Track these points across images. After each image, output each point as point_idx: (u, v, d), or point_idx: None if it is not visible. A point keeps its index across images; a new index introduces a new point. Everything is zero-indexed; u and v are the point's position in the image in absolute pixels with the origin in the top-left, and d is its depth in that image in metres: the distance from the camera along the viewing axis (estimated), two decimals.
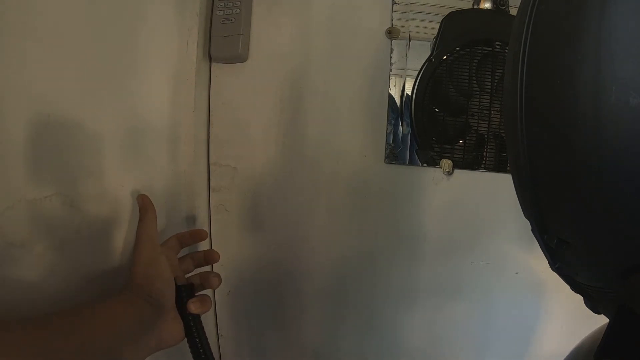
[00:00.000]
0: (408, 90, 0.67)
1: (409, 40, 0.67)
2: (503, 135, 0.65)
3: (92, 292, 0.52)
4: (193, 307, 0.49)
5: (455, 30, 0.65)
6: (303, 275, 0.74)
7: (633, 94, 0.21)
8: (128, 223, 0.57)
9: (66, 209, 0.47)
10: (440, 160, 0.67)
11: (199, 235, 0.59)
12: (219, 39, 0.70)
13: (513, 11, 0.65)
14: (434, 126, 0.67)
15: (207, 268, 0.75)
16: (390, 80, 0.68)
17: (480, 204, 0.68)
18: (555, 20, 0.25)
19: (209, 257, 0.59)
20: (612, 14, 0.22)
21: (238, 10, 0.69)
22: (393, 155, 0.69)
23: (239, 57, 0.71)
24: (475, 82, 0.65)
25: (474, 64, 0.65)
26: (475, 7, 0.66)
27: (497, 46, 0.65)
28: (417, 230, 0.70)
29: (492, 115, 0.65)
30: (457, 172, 0.67)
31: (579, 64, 0.23)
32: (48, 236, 0.45)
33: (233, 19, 0.70)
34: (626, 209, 0.23)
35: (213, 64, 0.73)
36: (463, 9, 0.66)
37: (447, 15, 0.65)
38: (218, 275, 0.55)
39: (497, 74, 0.65)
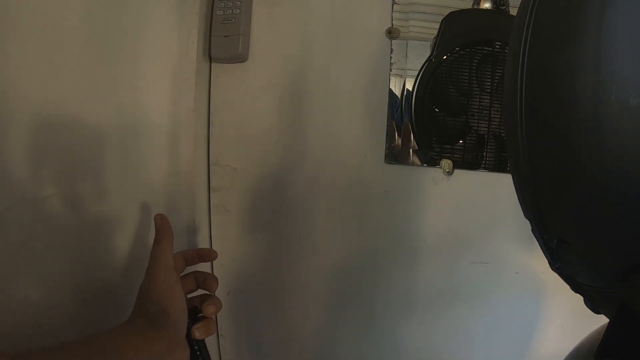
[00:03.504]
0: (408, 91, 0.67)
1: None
2: (503, 135, 0.65)
3: (92, 292, 0.52)
4: (198, 333, 0.47)
5: (455, 30, 0.65)
6: (303, 275, 0.74)
7: (633, 94, 0.21)
8: (128, 223, 0.57)
9: (66, 209, 0.47)
10: (440, 160, 0.67)
11: (208, 256, 0.56)
12: (219, 39, 0.70)
13: (513, 11, 0.65)
14: (434, 126, 0.67)
15: (206, 268, 0.75)
16: (390, 80, 0.68)
17: (480, 204, 0.68)
18: (555, 20, 0.25)
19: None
20: (612, 14, 0.22)
21: (238, 10, 0.69)
22: (393, 155, 0.69)
23: (239, 57, 0.71)
24: (475, 82, 0.65)
25: (474, 64, 0.65)
26: (475, 7, 0.66)
27: (497, 46, 0.64)
28: (417, 230, 0.70)
29: (492, 115, 0.65)
30: (457, 172, 0.67)
31: (579, 64, 0.23)
32: (48, 236, 0.45)
33: (233, 19, 0.70)
34: (626, 209, 0.23)
35: (213, 64, 0.73)
36: (463, 9, 0.66)
37: (447, 15, 0.65)
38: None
39: (497, 74, 0.65)
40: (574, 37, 0.24)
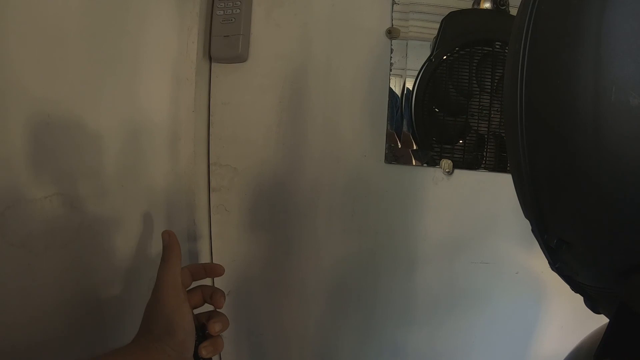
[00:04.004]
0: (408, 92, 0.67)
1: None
2: (503, 135, 0.65)
3: (92, 292, 0.52)
4: (205, 352, 0.45)
5: (455, 30, 0.65)
6: (303, 275, 0.74)
7: (633, 94, 0.21)
8: (128, 223, 0.57)
9: (66, 209, 0.47)
10: (440, 160, 0.67)
11: (215, 271, 0.54)
12: (219, 39, 0.70)
13: (513, 11, 0.65)
14: (434, 126, 0.67)
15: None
16: (390, 80, 0.68)
17: (480, 204, 0.68)
18: (555, 20, 0.25)
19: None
20: (612, 14, 0.22)
21: (238, 10, 0.69)
22: (393, 155, 0.69)
23: (239, 57, 0.71)
24: (475, 82, 0.65)
25: (474, 64, 0.65)
26: (475, 7, 0.66)
27: (497, 46, 0.64)
28: (417, 230, 0.70)
29: (492, 115, 0.65)
30: (457, 172, 0.67)
31: (579, 64, 0.23)
32: (48, 236, 0.45)
33: (233, 19, 0.70)
34: (626, 209, 0.23)
35: (213, 64, 0.73)
36: (463, 9, 0.66)
37: (447, 15, 0.65)
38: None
39: (497, 74, 0.65)
40: (574, 37, 0.24)
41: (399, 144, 0.69)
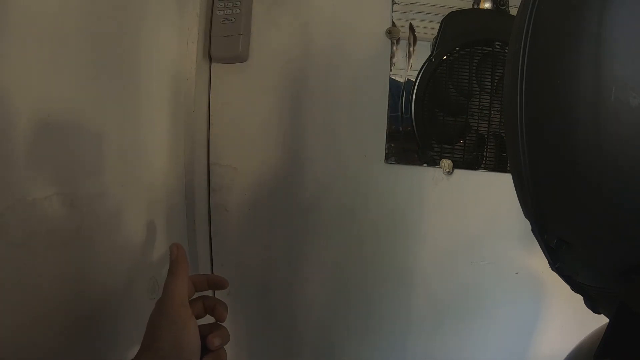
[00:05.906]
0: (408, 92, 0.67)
1: (414, 42, 0.67)
2: (503, 135, 0.65)
3: (92, 292, 0.52)
4: None
5: (455, 30, 0.65)
6: (303, 276, 0.74)
7: (633, 94, 0.21)
8: (128, 223, 0.57)
9: (66, 209, 0.47)
10: (440, 160, 0.67)
11: (219, 284, 0.52)
12: (219, 39, 0.70)
13: (513, 11, 0.65)
14: (434, 126, 0.67)
15: (207, 269, 0.75)
16: (390, 80, 0.68)
17: (480, 204, 0.68)
18: (555, 20, 0.25)
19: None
20: (612, 14, 0.22)
21: (238, 10, 0.69)
22: (393, 155, 0.69)
23: (239, 57, 0.71)
24: (475, 82, 0.65)
25: (474, 64, 0.65)
26: (475, 7, 0.66)
27: (497, 46, 0.64)
28: (416, 230, 0.70)
29: (492, 115, 0.65)
30: (457, 172, 0.67)
31: (578, 64, 0.23)
32: (48, 236, 0.45)
33: (233, 19, 0.70)
34: (626, 209, 0.23)
35: (213, 64, 0.73)
36: (463, 9, 0.66)
37: (447, 15, 0.65)
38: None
39: (497, 74, 0.65)
40: (573, 37, 0.24)
41: (399, 144, 0.69)
